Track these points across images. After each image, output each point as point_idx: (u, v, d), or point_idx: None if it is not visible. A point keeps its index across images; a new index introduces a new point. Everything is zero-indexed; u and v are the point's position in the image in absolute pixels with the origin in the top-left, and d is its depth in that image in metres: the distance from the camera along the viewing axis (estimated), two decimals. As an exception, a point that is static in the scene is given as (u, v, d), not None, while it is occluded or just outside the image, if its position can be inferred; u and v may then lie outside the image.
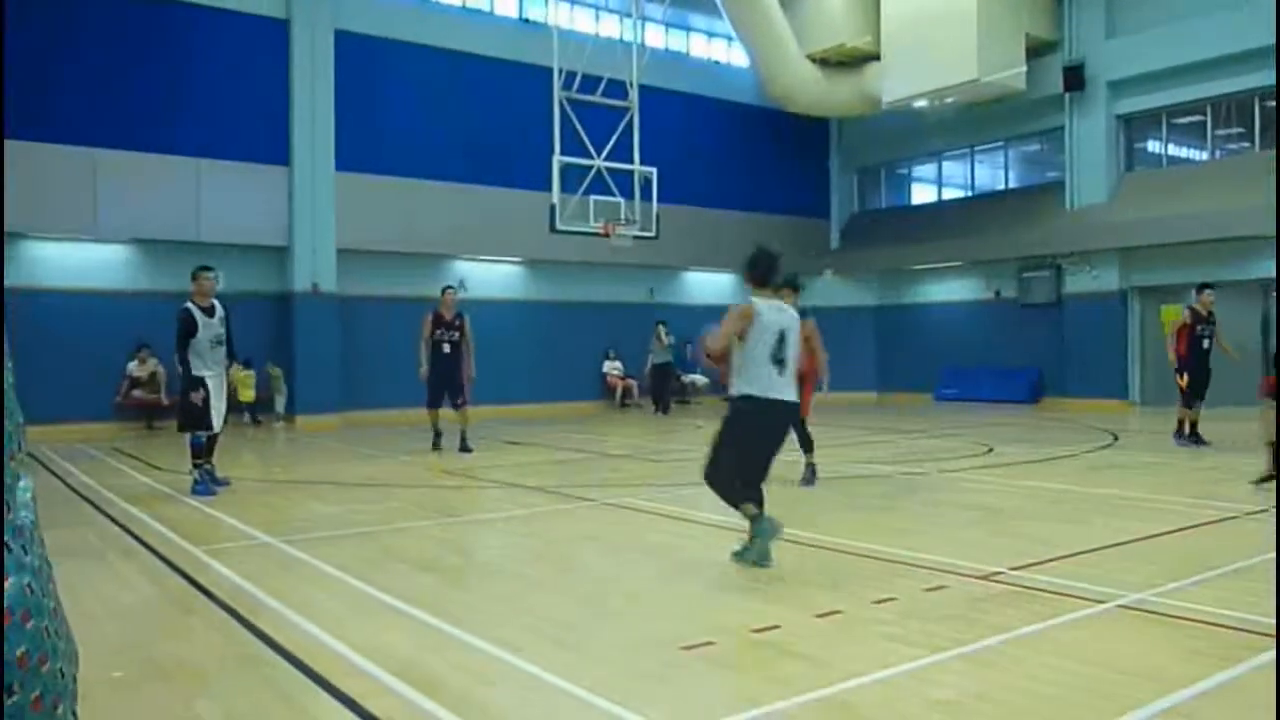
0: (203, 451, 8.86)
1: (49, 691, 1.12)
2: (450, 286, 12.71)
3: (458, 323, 12.07)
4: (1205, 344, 11.74)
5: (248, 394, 16.29)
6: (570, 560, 6.12)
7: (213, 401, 8.73)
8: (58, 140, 15.05)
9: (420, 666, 3.84)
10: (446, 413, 12.35)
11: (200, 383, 8.67)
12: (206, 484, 8.75)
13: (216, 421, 8.79)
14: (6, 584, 1.08)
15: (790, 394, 5.62)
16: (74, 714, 1.19)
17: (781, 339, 5.52)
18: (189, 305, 8.78)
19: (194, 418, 8.71)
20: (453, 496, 8.94)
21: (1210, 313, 11.81)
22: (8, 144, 12.97)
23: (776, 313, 5.59)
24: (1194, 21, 17.78)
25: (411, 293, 18.57)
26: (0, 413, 1.12)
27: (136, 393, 16.05)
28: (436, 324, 12.04)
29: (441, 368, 12.03)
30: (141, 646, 4.21)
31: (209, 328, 8.74)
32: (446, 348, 11.99)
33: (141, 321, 15.54)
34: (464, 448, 12.01)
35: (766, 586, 5.17)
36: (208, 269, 9.06)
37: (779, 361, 5.50)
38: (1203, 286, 12.16)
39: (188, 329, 8.63)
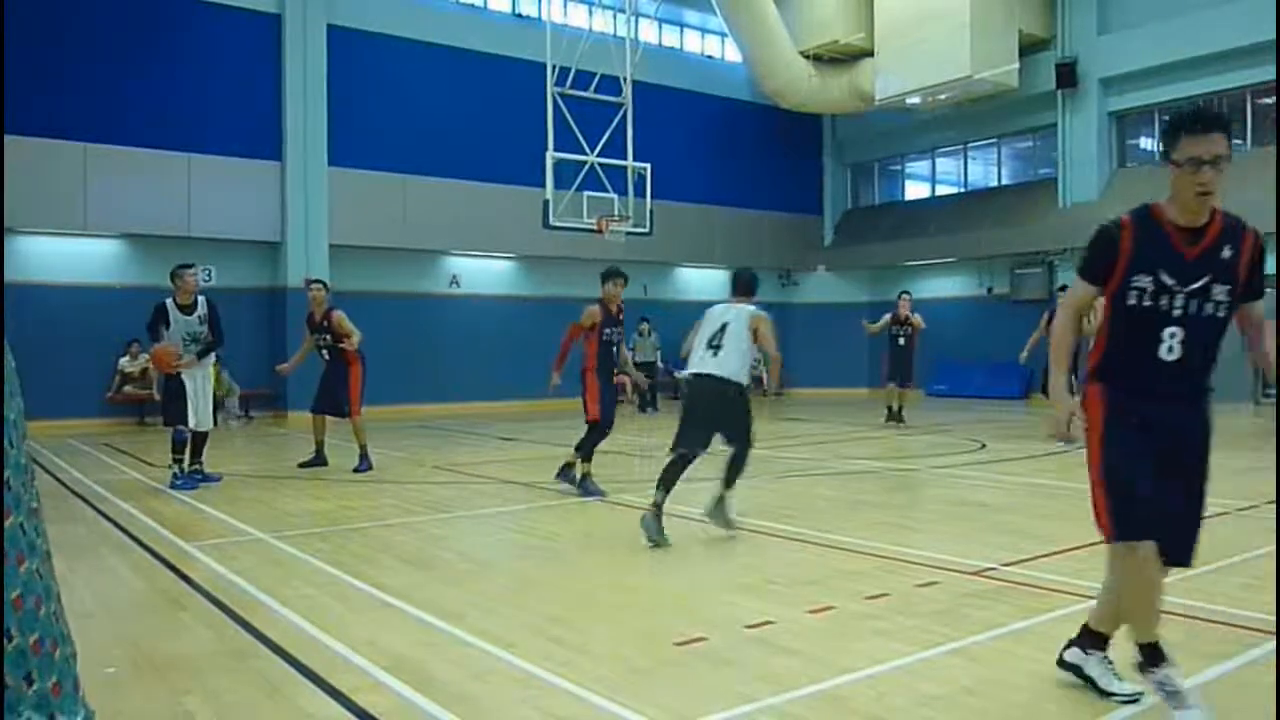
0: (182, 447, 8.84)
1: (66, 676, 1.12)
2: (316, 281, 10.49)
3: (326, 324, 10.10)
4: (900, 341, 14.52)
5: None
6: (562, 556, 6.12)
7: (190, 398, 8.67)
8: (48, 134, 14.98)
9: (412, 662, 3.84)
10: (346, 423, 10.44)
11: (174, 375, 8.68)
12: (187, 480, 8.82)
13: (193, 418, 8.72)
14: (21, 568, 1.08)
15: (715, 370, 6.36)
16: (85, 705, 1.19)
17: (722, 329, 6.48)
18: (165, 300, 8.80)
19: (172, 412, 8.81)
20: (445, 492, 8.93)
21: (907, 315, 14.39)
22: (-2, 138, 12.90)
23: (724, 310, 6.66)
24: (1186, 18, 17.82)
25: (405, 289, 18.56)
26: (1, 399, 1.12)
27: (128, 388, 16.00)
28: (309, 326, 10.34)
29: (322, 373, 10.39)
30: (133, 642, 4.21)
31: (184, 324, 8.68)
32: (325, 354, 10.24)
33: (132, 317, 15.40)
34: (357, 466, 10.05)
35: (759, 583, 5.18)
36: (188, 266, 8.95)
37: (713, 346, 6.43)
38: (902, 293, 14.97)
39: (156, 319, 8.69)
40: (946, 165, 23.67)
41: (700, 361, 6.43)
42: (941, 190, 23.82)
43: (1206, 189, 3.01)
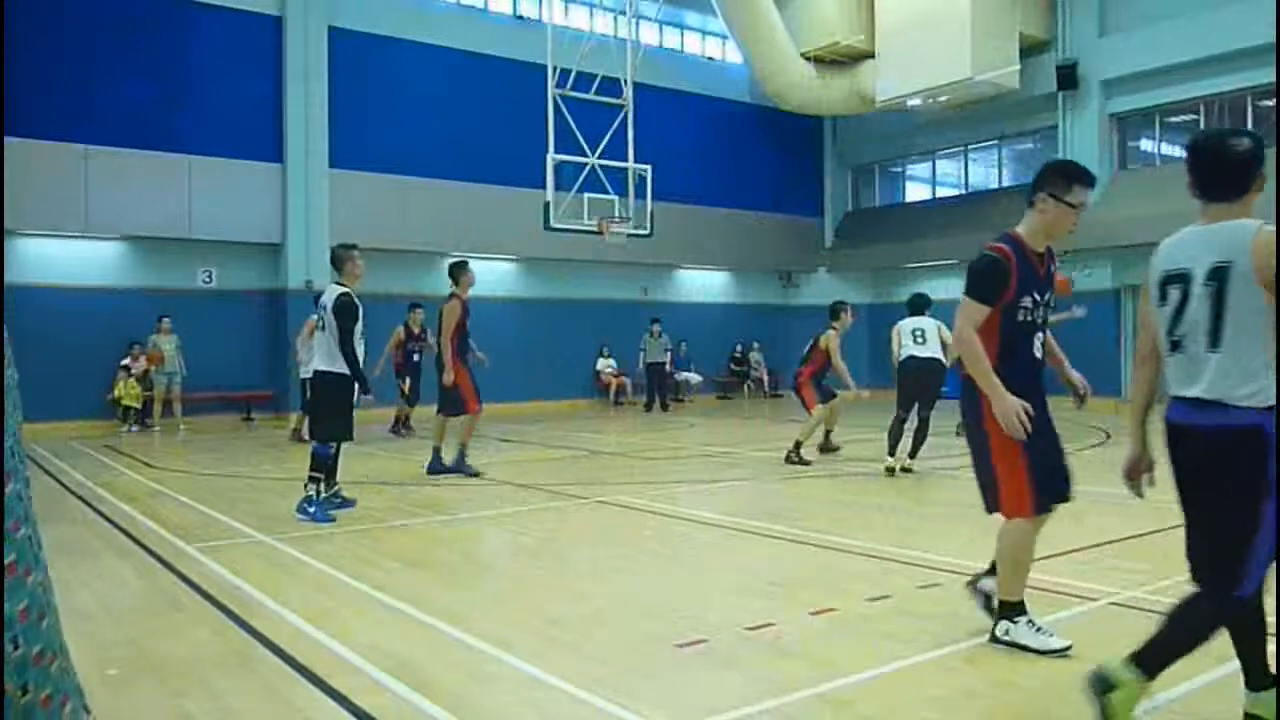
0: (328, 466, 7.44)
1: (59, 690, 1.12)
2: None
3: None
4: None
5: (132, 396, 15.52)
6: (564, 558, 6.12)
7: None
8: (48, 136, 14.97)
9: (412, 663, 3.84)
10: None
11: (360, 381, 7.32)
12: (321, 509, 7.23)
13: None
14: (28, 579, 1.07)
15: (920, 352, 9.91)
16: (85, 709, 1.18)
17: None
18: (348, 291, 7.24)
19: (345, 425, 7.43)
20: (446, 494, 8.92)
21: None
22: (-1, 140, 12.89)
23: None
24: (1187, 20, 17.82)
25: (405, 290, 18.53)
26: (1, 406, 1.12)
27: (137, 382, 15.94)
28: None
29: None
30: (134, 643, 4.20)
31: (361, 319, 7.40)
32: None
33: (133, 319, 15.48)
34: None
35: (760, 584, 5.17)
36: (353, 247, 7.53)
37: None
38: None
39: (357, 315, 7.16)
40: (947, 167, 23.66)
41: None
42: (942, 192, 23.80)
43: (1076, 227, 4.06)
